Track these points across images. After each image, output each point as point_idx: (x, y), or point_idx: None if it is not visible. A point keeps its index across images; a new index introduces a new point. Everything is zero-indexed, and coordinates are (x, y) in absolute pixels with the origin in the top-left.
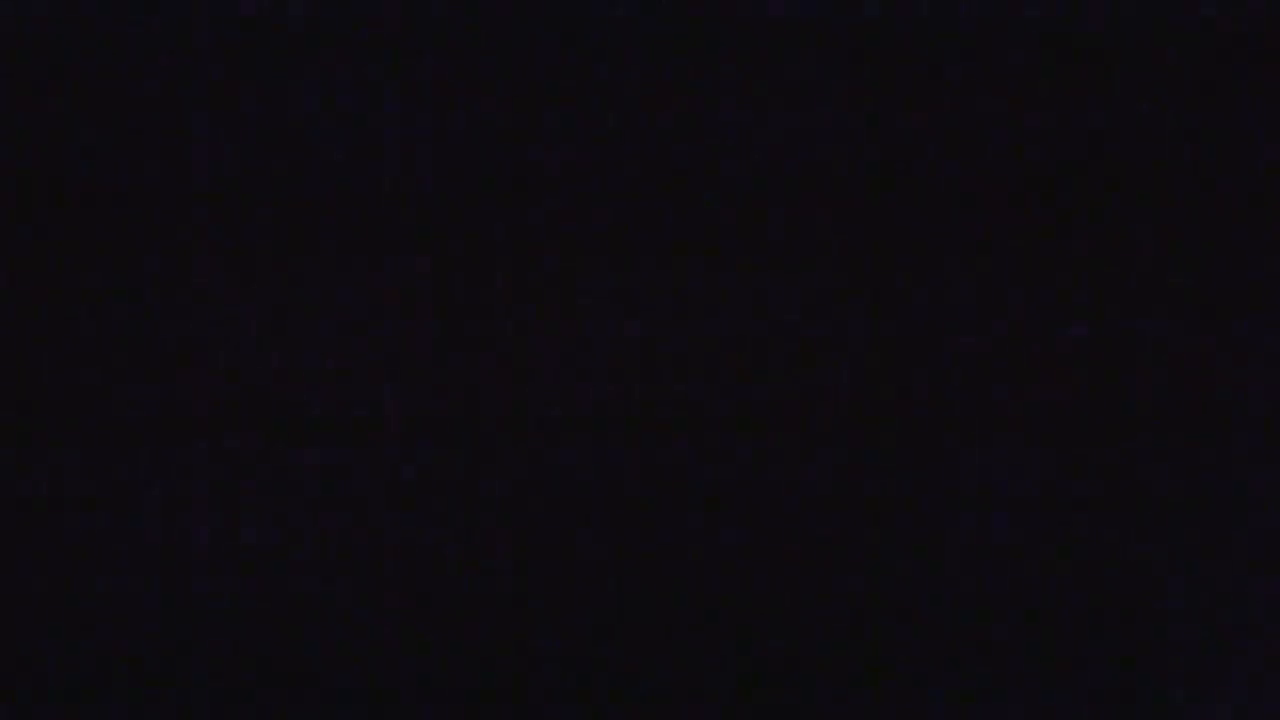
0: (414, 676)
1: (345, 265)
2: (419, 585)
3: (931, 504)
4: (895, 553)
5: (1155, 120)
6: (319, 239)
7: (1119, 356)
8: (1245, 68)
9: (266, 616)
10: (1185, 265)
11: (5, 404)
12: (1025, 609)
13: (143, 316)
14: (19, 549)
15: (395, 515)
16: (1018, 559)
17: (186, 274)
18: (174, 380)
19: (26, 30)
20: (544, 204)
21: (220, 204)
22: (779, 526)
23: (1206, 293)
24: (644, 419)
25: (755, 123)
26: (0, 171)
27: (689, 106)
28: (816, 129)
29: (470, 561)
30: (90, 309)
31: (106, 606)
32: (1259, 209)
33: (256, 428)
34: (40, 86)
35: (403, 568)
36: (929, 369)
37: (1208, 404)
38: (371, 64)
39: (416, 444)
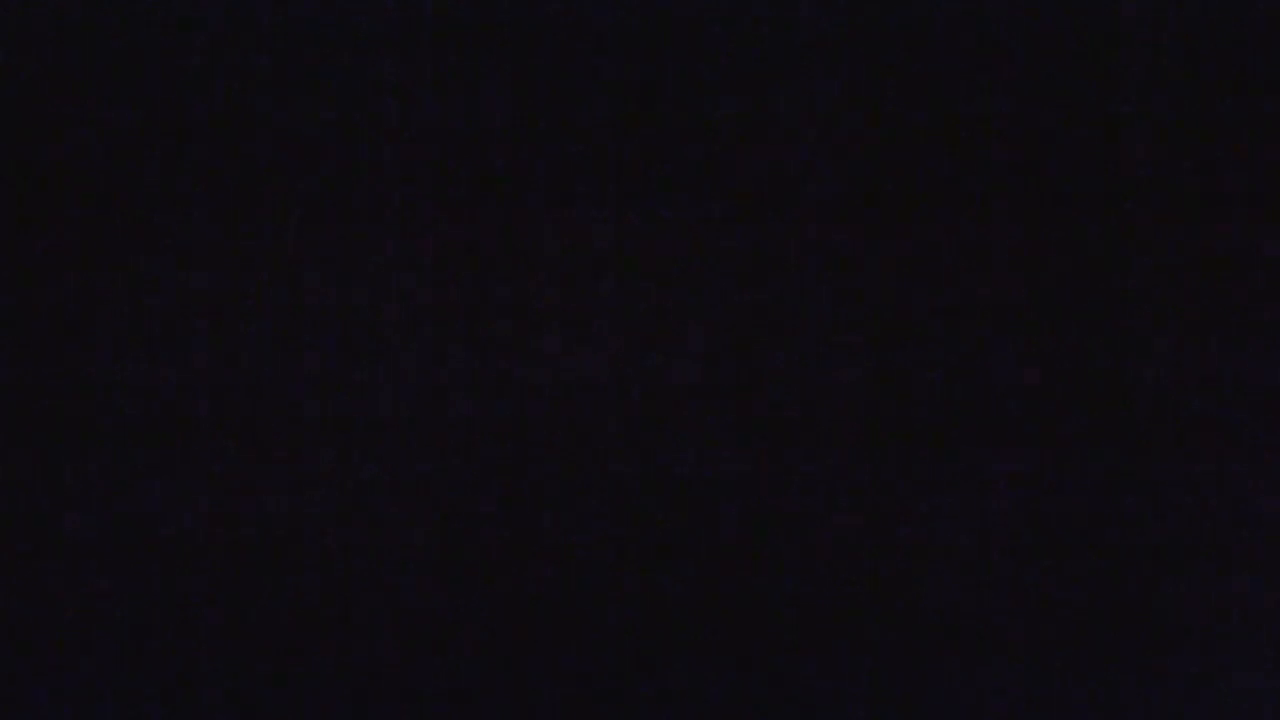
0: (411, 676)
1: (341, 253)
2: (418, 574)
3: (929, 500)
4: (894, 553)
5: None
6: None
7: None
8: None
9: (257, 611)
10: (1187, 266)
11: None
12: (1023, 613)
13: (139, 308)
14: (18, 548)
15: (396, 502)
16: (1017, 563)
17: (182, 264)
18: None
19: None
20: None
21: (216, 193)
22: (777, 524)
23: (1206, 293)
24: (643, 413)
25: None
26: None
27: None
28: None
29: (471, 548)
30: (86, 301)
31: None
32: (1260, 207)
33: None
34: (37, 76)
35: (403, 557)
36: (928, 366)
37: (1208, 407)
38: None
39: (416, 432)
